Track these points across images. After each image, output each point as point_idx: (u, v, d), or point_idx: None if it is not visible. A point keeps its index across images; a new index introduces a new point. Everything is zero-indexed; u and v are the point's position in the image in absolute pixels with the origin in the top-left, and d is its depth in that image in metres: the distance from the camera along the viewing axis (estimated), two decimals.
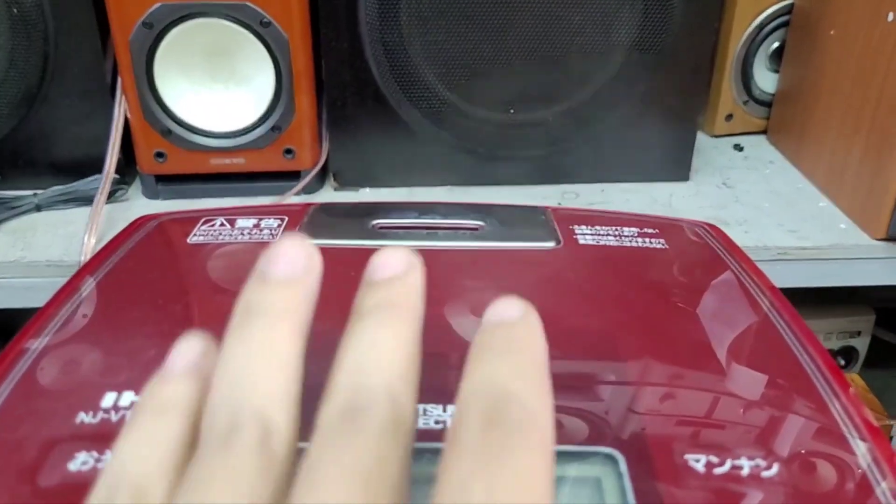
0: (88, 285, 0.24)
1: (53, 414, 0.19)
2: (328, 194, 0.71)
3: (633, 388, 0.20)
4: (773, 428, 0.20)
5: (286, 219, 0.28)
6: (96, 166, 0.65)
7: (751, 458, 0.18)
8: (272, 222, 0.28)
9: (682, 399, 0.20)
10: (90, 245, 0.60)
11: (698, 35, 0.66)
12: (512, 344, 0.18)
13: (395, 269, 0.20)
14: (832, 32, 0.69)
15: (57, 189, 0.66)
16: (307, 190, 0.69)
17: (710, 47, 0.68)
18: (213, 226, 0.27)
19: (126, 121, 0.64)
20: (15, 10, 0.61)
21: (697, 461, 0.18)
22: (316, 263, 0.20)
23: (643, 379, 0.21)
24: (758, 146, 0.81)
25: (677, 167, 0.73)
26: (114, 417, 0.19)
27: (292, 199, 0.67)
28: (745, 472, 0.18)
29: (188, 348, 0.19)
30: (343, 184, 0.71)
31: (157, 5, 0.60)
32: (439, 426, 0.18)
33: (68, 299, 0.24)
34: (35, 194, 0.65)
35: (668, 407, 0.20)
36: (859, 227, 0.65)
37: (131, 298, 0.24)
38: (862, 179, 0.65)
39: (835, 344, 0.78)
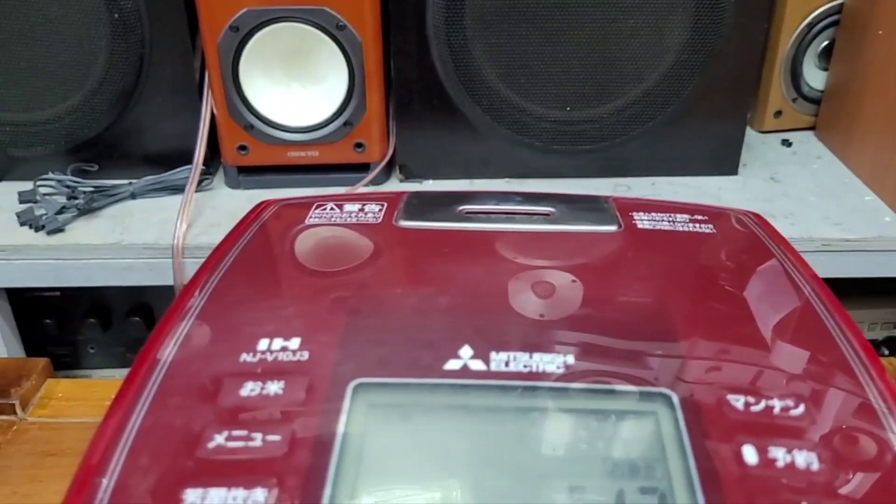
0: (230, 257, 0.29)
1: (222, 355, 0.24)
2: (394, 185, 0.76)
3: (685, 346, 0.25)
4: (804, 382, 0.24)
5: (385, 204, 0.32)
6: (184, 158, 0.71)
7: (781, 399, 0.23)
8: (374, 206, 0.32)
9: (726, 357, 0.24)
10: (182, 229, 0.66)
11: (748, 35, 0.70)
12: None
13: None
14: (880, 32, 0.71)
15: (150, 179, 0.72)
16: (375, 181, 0.74)
17: (759, 47, 0.71)
18: (324, 210, 0.32)
19: (212, 116, 0.70)
20: (116, 15, 0.67)
21: (737, 400, 0.23)
22: None
23: (695, 339, 0.25)
24: (806, 142, 0.83)
25: (726, 162, 0.76)
26: (269, 358, 0.24)
27: (362, 189, 0.72)
28: (776, 410, 0.22)
29: None
30: (408, 176, 0.76)
31: (243, 10, 0.66)
32: (526, 369, 0.23)
33: (217, 267, 0.29)
34: (130, 183, 0.72)
35: (715, 361, 0.24)
36: None
37: (266, 267, 0.29)
38: None
39: (879, 334, 0.80)
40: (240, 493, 0.19)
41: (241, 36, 0.67)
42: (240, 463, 0.20)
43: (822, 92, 0.83)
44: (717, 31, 0.69)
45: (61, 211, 0.67)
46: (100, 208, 0.69)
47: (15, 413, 0.43)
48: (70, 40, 0.67)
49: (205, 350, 0.24)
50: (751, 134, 0.84)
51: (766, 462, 0.20)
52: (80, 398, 0.43)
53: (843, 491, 0.20)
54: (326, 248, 0.30)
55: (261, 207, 0.33)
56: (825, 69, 0.82)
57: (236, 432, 0.21)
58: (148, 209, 0.70)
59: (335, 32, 0.67)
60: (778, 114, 0.83)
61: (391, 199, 0.33)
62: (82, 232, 0.67)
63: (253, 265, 0.29)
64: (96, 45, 0.68)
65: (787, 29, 0.79)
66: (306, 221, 0.31)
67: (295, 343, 0.24)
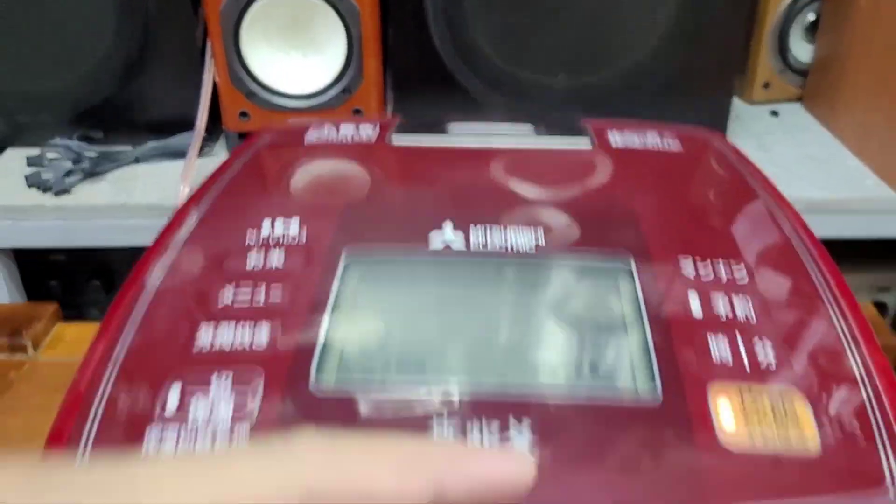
0: (229, 176, 0.31)
1: (229, 237, 0.26)
2: None
3: (648, 226, 0.27)
4: (750, 255, 0.26)
5: (378, 124, 0.35)
6: (187, 124, 0.73)
7: (728, 266, 0.25)
8: (368, 126, 0.35)
9: (682, 231, 0.27)
10: (184, 193, 0.68)
11: (735, 8, 0.71)
12: None
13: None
14: (863, 4, 0.73)
15: (153, 144, 0.74)
16: None
17: (744, 20, 0.73)
18: (322, 131, 0.34)
19: (214, 84, 0.72)
20: None
21: (686, 260, 0.25)
22: None
23: (657, 223, 0.27)
24: (794, 113, 0.85)
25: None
26: (271, 240, 0.26)
27: None
28: (723, 277, 0.25)
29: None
30: None
31: None
32: (501, 247, 0.25)
33: (212, 188, 0.31)
34: (134, 148, 0.74)
35: (672, 233, 0.26)
36: (886, 184, 0.70)
37: (265, 187, 0.31)
38: (888, 139, 0.69)
39: (864, 298, 0.82)
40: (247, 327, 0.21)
41: (243, 4, 0.69)
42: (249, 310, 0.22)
43: (809, 64, 0.85)
44: (706, 4, 0.71)
45: (68, 174, 0.69)
46: (105, 172, 0.71)
47: (26, 352, 0.45)
48: (78, 12, 0.69)
49: (212, 236, 0.26)
50: (740, 105, 0.86)
51: (708, 308, 0.23)
52: (91, 340, 0.45)
53: (770, 332, 0.22)
54: (327, 167, 0.32)
55: (259, 133, 0.35)
56: (812, 42, 0.84)
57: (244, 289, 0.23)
58: (151, 173, 0.72)
59: (334, 1, 0.69)
60: (766, 85, 0.85)
61: (383, 123, 0.35)
62: (88, 194, 0.69)
63: (254, 179, 0.31)
64: (103, 16, 0.70)
65: (773, 3, 0.81)
66: (305, 142, 0.33)
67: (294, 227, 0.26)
